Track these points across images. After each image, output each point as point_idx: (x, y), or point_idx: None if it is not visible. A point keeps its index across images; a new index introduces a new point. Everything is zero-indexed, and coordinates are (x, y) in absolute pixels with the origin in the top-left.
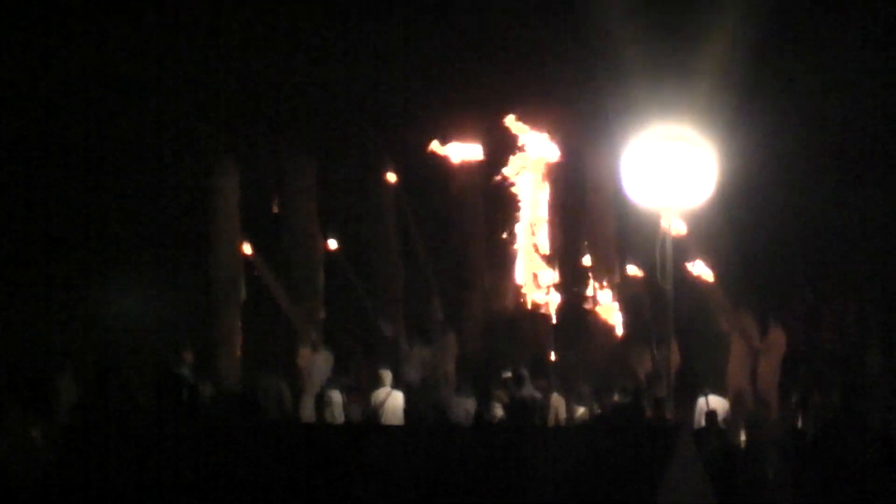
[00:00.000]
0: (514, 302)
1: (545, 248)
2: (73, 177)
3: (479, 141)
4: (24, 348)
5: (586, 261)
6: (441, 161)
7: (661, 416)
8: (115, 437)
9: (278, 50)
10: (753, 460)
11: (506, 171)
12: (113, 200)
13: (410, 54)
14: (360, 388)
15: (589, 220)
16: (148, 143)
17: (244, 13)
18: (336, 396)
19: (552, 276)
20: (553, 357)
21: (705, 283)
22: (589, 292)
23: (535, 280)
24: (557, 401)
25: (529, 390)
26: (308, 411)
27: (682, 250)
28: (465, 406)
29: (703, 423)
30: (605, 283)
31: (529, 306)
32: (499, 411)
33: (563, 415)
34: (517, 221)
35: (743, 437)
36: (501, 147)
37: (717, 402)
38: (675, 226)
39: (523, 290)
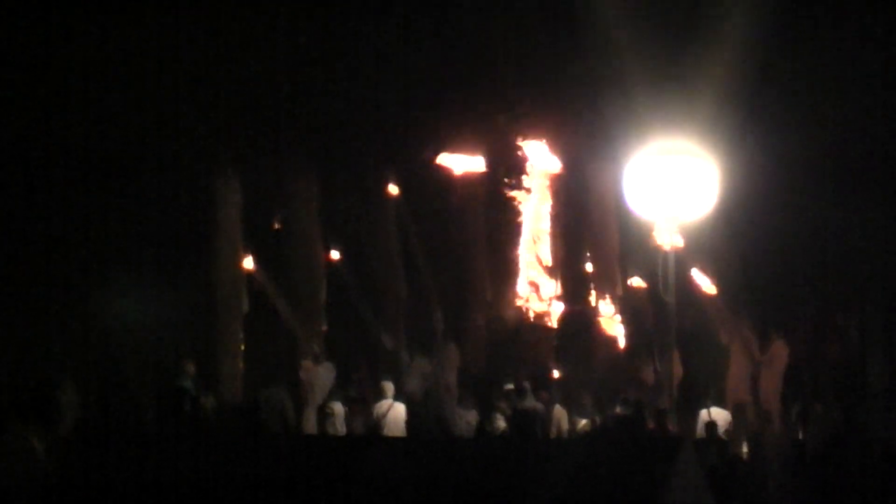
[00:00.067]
0: (516, 314)
1: (547, 260)
2: (74, 189)
3: (482, 153)
4: (25, 360)
5: (588, 272)
6: (443, 173)
7: (662, 428)
8: (117, 448)
9: (280, 60)
10: (755, 472)
11: (508, 182)
12: (114, 212)
13: (413, 66)
14: (364, 400)
15: (591, 232)
16: (150, 156)
17: (247, 23)
18: (338, 408)
19: (554, 287)
20: (555, 369)
21: (707, 295)
22: (591, 304)
23: (538, 292)
24: (559, 413)
25: (531, 402)
26: (311, 423)
27: (685, 262)
28: (468, 418)
29: (703, 434)
30: (607, 295)
31: (531, 318)
32: (501, 423)
33: (565, 427)
34: (520, 233)
35: (745, 449)
36: (504, 159)
37: (718, 414)
38: (677, 238)
39: (525, 302)
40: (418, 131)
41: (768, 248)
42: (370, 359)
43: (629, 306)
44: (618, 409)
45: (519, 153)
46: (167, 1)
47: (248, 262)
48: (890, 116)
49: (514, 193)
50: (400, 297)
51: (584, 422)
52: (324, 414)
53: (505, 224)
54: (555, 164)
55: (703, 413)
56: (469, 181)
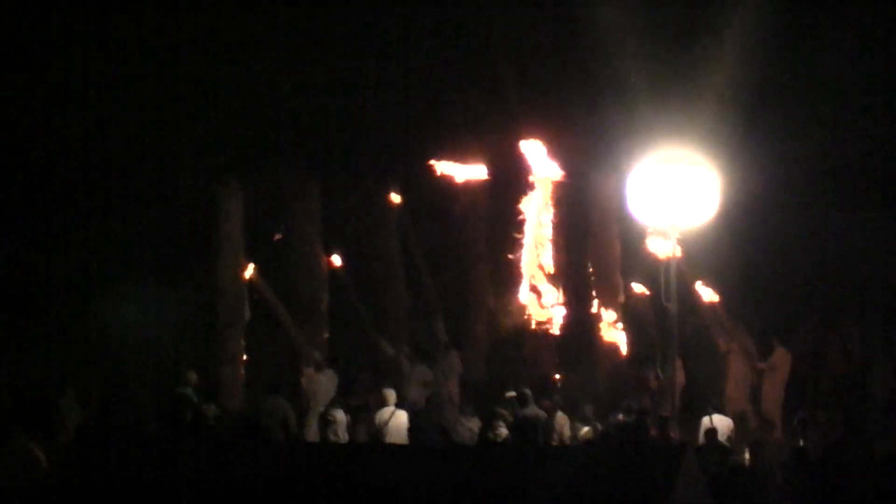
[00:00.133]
0: (518, 321)
1: (549, 267)
2: (76, 199)
3: (483, 160)
4: (28, 370)
5: (590, 280)
6: (445, 180)
7: (665, 436)
8: (118, 456)
9: (282, 71)
10: (757, 480)
11: (510, 190)
12: (117, 221)
13: (414, 73)
14: (367, 408)
15: (593, 240)
16: (150, 162)
17: (250, 36)
18: (340, 416)
19: (556, 295)
20: (557, 376)
21: (709, 303)
22: (593, 311)
23: (540, 299)
24: (561, 420)
25: (533, 409)
26: (312, 431)
27: (687, 271)
28: (469, 425)
29: (703, 441)
30: (609, 303)
31: (534, 326)
32: (503, 431)
33: (567, 434)
34: (521, 240)
35: (747, 457)
36: (506, 166)
37: (720, 421)
38: (678, 247)
39: (528, 310)
40: (420, 138)
41: (770, 256)
42: (372, 366)
43: (631, 313)
44: (620, 417)
45: (521, 161)
46: (167, 1)
47: (250, 270)
48: (892, 125)
49: (515, 201)
50: (401, 304)
51: (586, 429)
52: (325, 421)
53: (507, 231)
54: (557, 172)
55: (705, 420)
56: (471, 188)
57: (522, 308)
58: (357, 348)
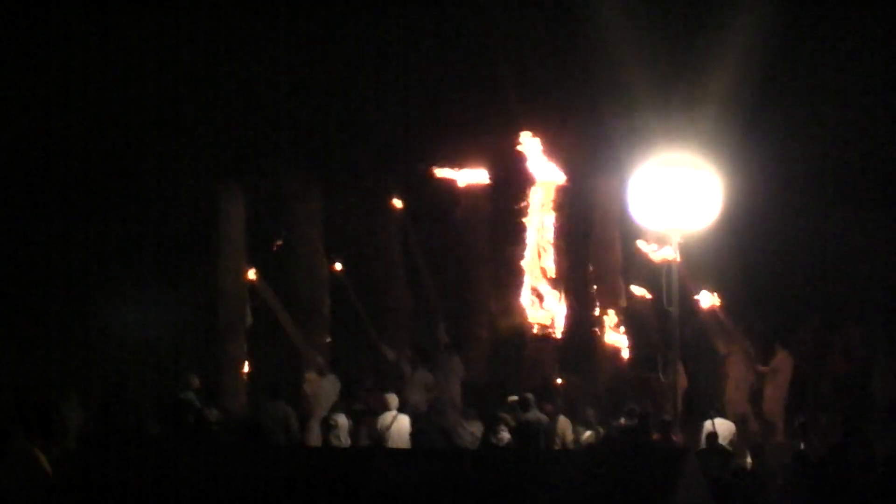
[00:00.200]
0: (520, 325)
1: (551, 271)
2: (76, 199)
3: (485, 163)
4: (28, 370)
5: (592, 283)
6: (447, 185)
7: (667, 439)
8: (119, 460)
9: (282, 72)
10: (758, 483)
11: (512, 194)
12: (119, 225)
13: (415, 78)
14: (371, 413)
15: (595, 243)
16: (152, 166)
17: (250, 37)
18: (342, 420)
19: (558, 298)
20: (559, 380)
21: (710, 307)
22: (595, 315)
23: (541, 303)
24: (564, 424)
25: (535, 414)
26: (315, 435)
27: (689, 274)
28: (471, 429)
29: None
30: (610, 306)
31: (535, 330)
32: (505, 435)
33: (569, 438)
34: (523, 245)
35: (749, 460)
36: (508, 171)
37: (722, 425)
38: (680, 250)
39: (529, 313)
40: (421, 140)
41: (770, 257)
42: (375, 371)
43: (632, 316)
44: (622, 421)
45: (522, 163)
46: (167, 1)
47: (251, 274)
48: (892, 124)
49: (516, 204)
50: (402, 307)
51: (588, 433)
52: (328, 426)
53: (509, 236)
54: (559, 176)
55: (707, 424)
56: (472, 191)
57: (524, 311)
58: (359, 352)
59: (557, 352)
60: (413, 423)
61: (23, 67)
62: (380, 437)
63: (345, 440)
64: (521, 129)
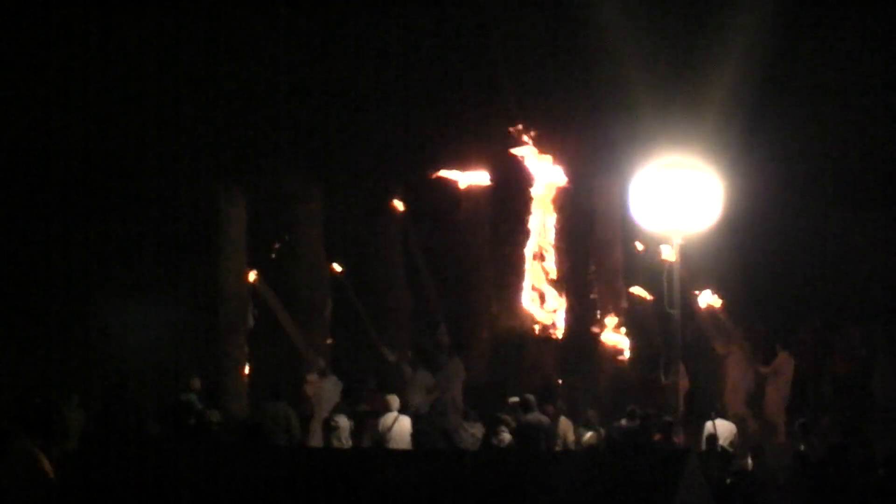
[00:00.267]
0: (521, 327)
1: (553, 273)
2: (76, 199)
3: (486, 165)
4: (28, 371)
5: (594, 285)
6: (447, 186)
7: (668, 441)
8: (121, 462)
9: (283, 73)
10: (759, 484)
11: (513, 195)
12: (119, 225)
13: (416, 77)
14: (375, 414)
15: (596, 244)
16: (153, 166)
17: (251, 38)
18: (343, 421)
19: (560, 300)
20: (560, 381)
21: (711, 308)
22: (596, 316)
23: (543, 304)
24: (565, 425)
25: (536, 415)
26: (316, 437)
27: (689, 275)
28: (473, 431)
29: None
30: (612, 308)
31: (537, 331)
32: (506, 436)
33: (570, 439)
34: (525, 246)
35: (750, 461)
36: (509, 172)
37: (723, 426)
38: (680, 251)
39: (530, 315)
40: (422, 141)
41: (770, 258)
42: (376, 372)
43: (634, 318)
44: (623, 422)
45: (523, 165)
46: (167, 1)
47: (252, 276)
48: (892, 124)
49: (519, 206)
50: (404, 309)
51: (589, 434)
52: (329, 427)
53: (509, 237)
54: (560, 177)
55: (708, 425)
56: (473, 193)
57: (525, 312)
58: (359, 353)
59: (558, 353)
60: (414, 425)
61: (23, 67)
62: (381, 438)
63: (346, 441)
64: (522, 130)
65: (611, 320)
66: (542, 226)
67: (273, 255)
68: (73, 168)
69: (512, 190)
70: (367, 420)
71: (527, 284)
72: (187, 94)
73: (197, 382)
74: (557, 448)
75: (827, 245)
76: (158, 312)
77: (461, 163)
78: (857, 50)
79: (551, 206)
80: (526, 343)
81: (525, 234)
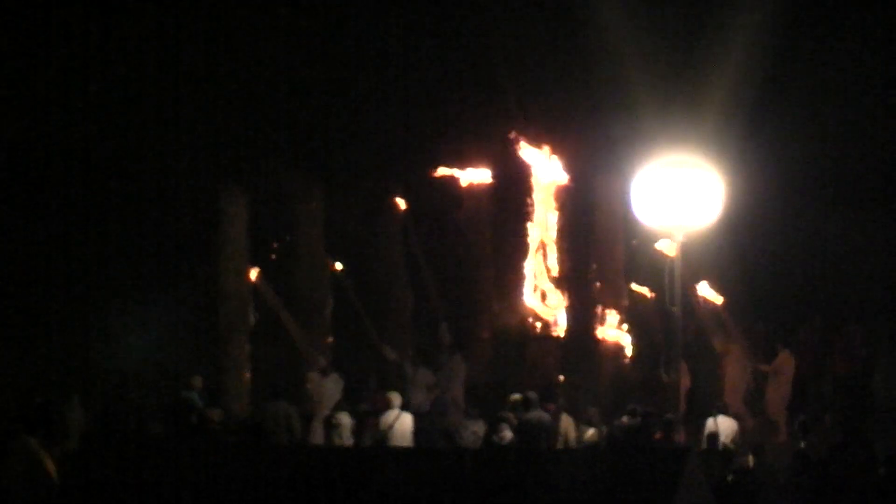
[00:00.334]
0: (522, 324)
1: (555, 271)
2: (78, 201)
3: (487, 164)
4: (29, 371)
5: (595, 282)
6: (449, 184)
7: (669, 439)
8: (122, 461)
9: (283, 72)
10: (760, 483)
11: (514, 194)
12: (119, 225)
13: (417, 78)
14: (375, 413)
15: (597, 242)
16: (153, 167)
17: (251, 37)
18: (344, 419)
19: (561, 297)
20: (561, 379)
21: (712, 304)
22: (598, 314)
23: (544, 302)
24: (566, 423)
25: (538, 413)
26: (318, 435)
27: (691, 273)
28: (474, 428)
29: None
30: (613, 306)
31: (538, 329)
32: (508, 434)
33: (572, 437)
34: (526, 244)
35: (751, 460)
36: (510, 171)
37: (725, 424)
38: (683, 249)
39: (532, 313)
40: (423, 141)
41: (771, 257)
42: (377, 371)
43: (635, 315)
44: (624, 419)
45: (524, 164)
46: (167, 1)
47: (253, 274)
48: (892, 124)
49: (520, 204)
50: (405, 307)
51: (591, 432)
52: (330, 425)
53: (510, 235)
54: (561, 175)
55: (710, 422)
56: (474, 191)
57: (526, 311)
58: (361, 352)
59: (559, 351)
60: (415, 423)
61: (23, 67)
62: (383, 435)
63: (347, 439)
64: (524, 129)
65: (612, 318)
66: (544, 224)
67: (273, 255)
68: (73, 168)
69: (513, 188)
70: (367, 419)
71: (528, 282)
72: (187, 94)
73: (198, 381)
74: (559, 446)
75: (827, 245)
76: (158, 312)
77: (462, 161)
78: (857, 50)
79: (553, 204)
80: (527, 341)
81: (526, 232)
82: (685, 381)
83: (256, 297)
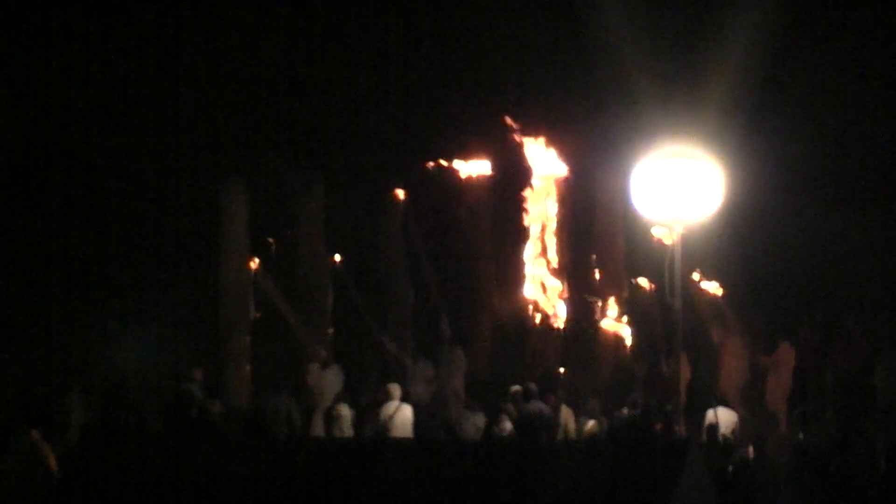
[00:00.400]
0: (522, 317)
1: (555, 263)
2: (78, 201)
3: (488, 156)
4: (31, 367)
5: (595, 275)
6: (449, 177)
7: (669, 430)
8: (123, 454)
9: (283, 69)
10: (760, 475)
11: (514, 187)
12: (122, 220)
13: (417, 71)
14: (376, 406)
15: (598, 235)
16: (154, 164)
17: (252, 35)
18: (344, 411)
19: (561, 290)
20: (562, 371)
21: (712, 298)
22: (598, 306)
23: (544, 294)
24: (566, 415)
25: (538, 405)
26: (318, 427)
27: (692, 266)
28: (475, 420)
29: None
30: (614, 298)
31: (538, 321)
32: (507, 425)
33: (572, 428)
34: (526, 236)
35: (751, 452)
36: (509, 164)
37: (725, 415)
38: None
39: (532, 305)
40: (423, 135)
41: (773, 251)
42: (379, 364)
43: (635, 307)
44: (625, 411)
45: (524, 157)
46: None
47: (254, 265)
48: (892, 124)
49: (520, 197)
50: (405, 300)
51: (591, 423)
52: (331, 417)
53: (511, 228)
54: (561, 168)
55: (710, 414)
56: (474, 185)
57: (527, 303)
58: (361, 344)
59: (560, 342)
60: (416, 415)
61: (23, 67)
62: (383, 426)
63: (348, 431)
64: (525, 121)
65: (612, 310)
66: (544, 216)
67: (274, 251)
68: (73, 167)
69: (513, 181)
70: (366, 412)
71: (528, 275)
72: (187, 92)
73: (198, 373)
74: (559, 437)
75: (827, 244)
76: (158, 311)
77: (461, 154)
78: (857, 50)
79: (553, 197)
80: (527, 333)
81: (526, 225)
82: (685, 373)
83: (257, 291)
